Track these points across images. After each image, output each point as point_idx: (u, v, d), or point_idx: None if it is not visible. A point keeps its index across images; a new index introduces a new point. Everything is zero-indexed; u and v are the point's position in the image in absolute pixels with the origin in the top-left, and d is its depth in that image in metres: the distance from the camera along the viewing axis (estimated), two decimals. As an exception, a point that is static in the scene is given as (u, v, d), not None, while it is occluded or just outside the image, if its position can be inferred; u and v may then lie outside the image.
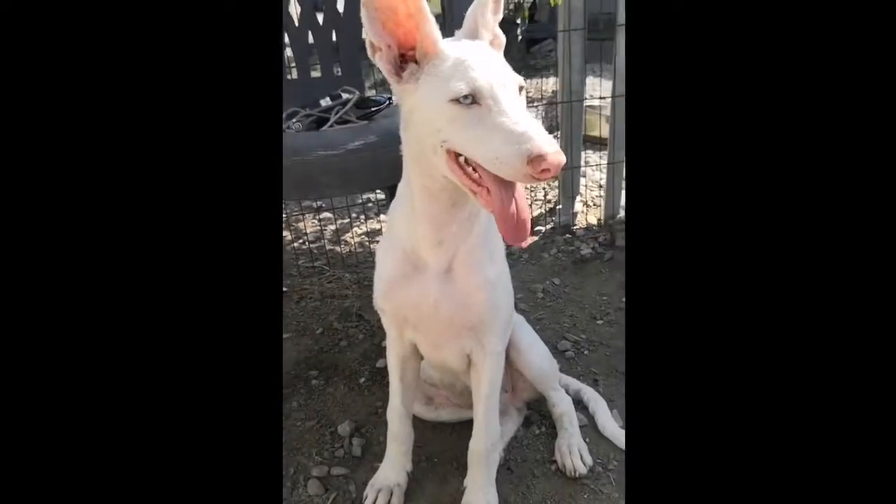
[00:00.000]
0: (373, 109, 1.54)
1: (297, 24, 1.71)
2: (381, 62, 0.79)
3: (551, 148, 0.68)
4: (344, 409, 1.39)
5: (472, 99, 0.73)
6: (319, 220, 2.48)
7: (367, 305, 1.82)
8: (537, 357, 1.20)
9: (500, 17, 0.87)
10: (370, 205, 2.56)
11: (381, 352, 1.57)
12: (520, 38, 2.28)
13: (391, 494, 1.10)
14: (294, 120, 1.44)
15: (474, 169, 0.76)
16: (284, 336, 1.70)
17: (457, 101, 0.73)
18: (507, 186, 0.75)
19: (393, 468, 1.12)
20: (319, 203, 2.58)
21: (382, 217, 2.42)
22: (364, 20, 0.76)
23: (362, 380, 1.49)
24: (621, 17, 1.98)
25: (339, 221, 2.46)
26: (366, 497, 1.11)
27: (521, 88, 0.77)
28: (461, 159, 0.76)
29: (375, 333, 1.67)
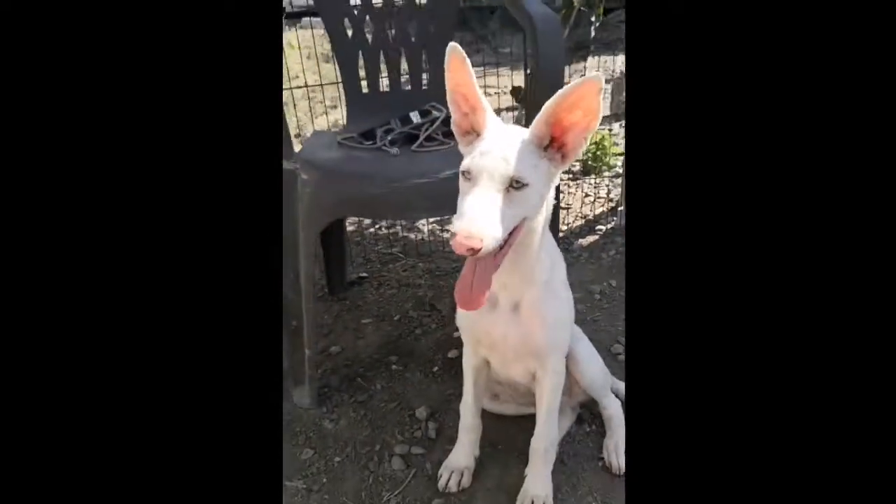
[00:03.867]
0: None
1: (391, 39, 1.86)
2: (454, 125, 1.01)
3: (463, 230, 0.84)
4: (420, 394, 1.61)
5: (467, 175, 0.92)
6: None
7: (438, 295, 2.03)
8: (592, 368, 1.39)
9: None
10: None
11: (452, 342, 1.78)
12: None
13: (462, 475, 1.32)
14: (389, 137, 1.61)
15: None
16: (366, 321, 1.93)
17: (463, 173, 0.93)
18: (472, 259, 0.92)
19: (464, 453, 1.34)
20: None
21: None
22: (448, 94, 1.00)
23: (436, 368, 1.70)
24: None
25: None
26: (440, 476, 1.33)
27: (516, 182, 0.90)
28: None
29: (447, 324, 1.87)
